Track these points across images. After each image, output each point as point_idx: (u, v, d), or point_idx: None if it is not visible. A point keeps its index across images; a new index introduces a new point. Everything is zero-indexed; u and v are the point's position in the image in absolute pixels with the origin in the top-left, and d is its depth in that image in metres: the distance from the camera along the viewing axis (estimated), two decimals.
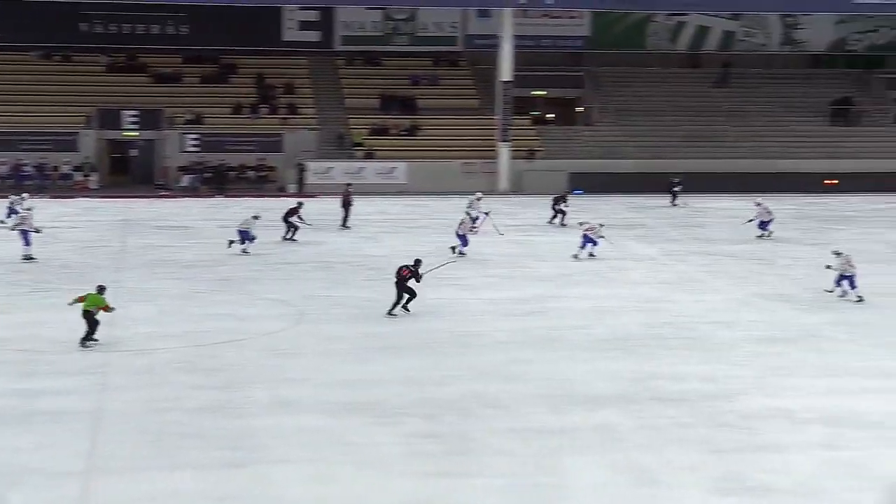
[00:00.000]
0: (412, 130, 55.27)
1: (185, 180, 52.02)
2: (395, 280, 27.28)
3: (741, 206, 43.93)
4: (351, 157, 53.51)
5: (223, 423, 19.16)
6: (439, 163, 52.35)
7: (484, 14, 57.54)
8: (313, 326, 26.22)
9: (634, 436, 18.91)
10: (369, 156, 53.60)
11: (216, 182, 51.27)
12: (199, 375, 21.96)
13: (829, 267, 29.81)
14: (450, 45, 59.52)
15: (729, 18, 59.54)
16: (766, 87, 58.93)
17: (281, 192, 50.77)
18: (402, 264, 27.54)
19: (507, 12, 53.15)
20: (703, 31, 60.09)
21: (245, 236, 35.52)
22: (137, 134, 53.52)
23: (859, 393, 21.45)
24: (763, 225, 39.18)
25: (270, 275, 30.47)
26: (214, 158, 52.16)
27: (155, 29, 57.63)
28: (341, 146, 53.95)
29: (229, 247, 35.18)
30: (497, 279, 32.12)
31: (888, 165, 53.49)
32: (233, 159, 52.41)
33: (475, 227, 36.89)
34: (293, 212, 38.45)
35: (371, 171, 52.60)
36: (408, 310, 27.32)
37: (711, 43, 60.51)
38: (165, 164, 53.05)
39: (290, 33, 58.84)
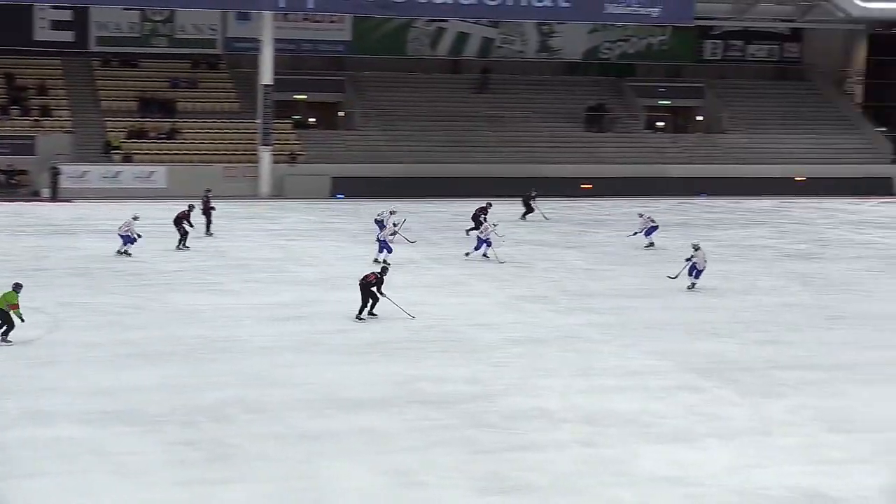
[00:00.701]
0: (172, 134, 54.24)
1: None
2: (359, 285, 27.47)
3: (503, 210, 44.73)
4: (109, 160, 52.13)
5: None
6: (200, 167, 51.53)
7: (244, 17, 56.94)
8: (69, 334, 25.38)
9: (398, 438, 18.93)
10: (127, 159, 52.33)
11: None
12: None
13: (690, 258, 31.88)
14: (209, 48, 58.66)
15: (488, 25, 60.52)
16: (523, 93, 60.15)
17: (35, 196, 49.08)
18: (370, 271, 27.85)
19: (267, 15, 52.71)
20: (462, 38, 60.92)
21: (127, 240, 34.92)
22: None
23: (615, 391, 22.01)
24: (649, 232, 39.58)
25: (24, 282, 29.29)
26: None
27: None
28: (105, 150, 52.50)
29: (119, 254, 34.92)
30: (259, 284, 31.76)
31: (640, 170, 55.29)
32: None
33: (392, 236, 36.27)
34: (184, 216, 37.38)
35: (129, 175, 51.41)
36: (374, 314, 27.41)
37: (471, 49, 61.42)
38: None
39: (42, 32, 56.92)
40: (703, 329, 27.49)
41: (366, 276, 27.77)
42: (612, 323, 27.98)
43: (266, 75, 52.70)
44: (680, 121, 62.24)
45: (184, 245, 37.08)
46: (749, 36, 63.74)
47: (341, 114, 59.71)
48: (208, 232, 39.48)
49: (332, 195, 51.77)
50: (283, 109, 56.01)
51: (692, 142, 59.20)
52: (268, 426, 19.32)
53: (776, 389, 22.43)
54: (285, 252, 37.13)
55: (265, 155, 52.31)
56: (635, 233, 39.63)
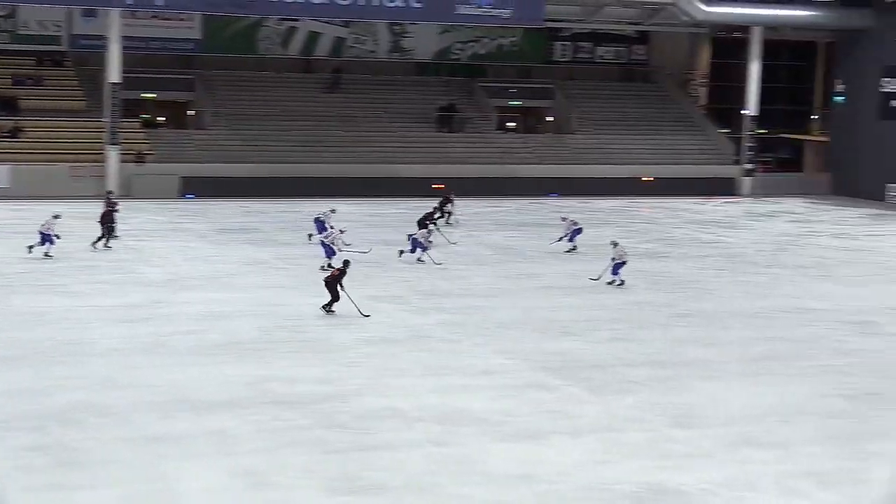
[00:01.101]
0: (15, 132, 52.81)
1: None
2: (324, 282, 28.34)
3: (358, 211, 44.77)
4: None
5: None
6: (45, 166, 50.30)
7: (90, 14, 55.66)
8: None
9: (248, 440, 18.77)
10: None
11: None
12: None
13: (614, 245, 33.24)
14: (54, 45, 57.27)
15: (340, 25, 60.29)
16: (376, 94, 60.11)
17: None
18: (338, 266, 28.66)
19: (115, 13, 51.68)
20: (314, 37, 60.55)
21: (46, 238, 34.10)
22: None
23: (467, 390, 22.15)
24: (573, 236, 39.41)
25: None
26: None
27: None
28: None
29: (30, 252, 34.08)
30: (106, 285, 31.15)
31: (490, 170, 55.72)
32: None
33: (337, 239, 35.41)
34: (109, 215, 36.32)
35: None
36: (332, 311, 28.09)
37: (323, 49, 61.09)
38: None
39: None
40: (553, 328, 27.82)
41: (331, 273, 28.73)
42: (464, 322, 28.14)
43: (113, 73, 51.68)
44: (530, 121, 62.87)
45: (107, 244, 36.50)
46: (598, 38, 64.64)
47: (191, 113, 58.87)
48: (112, 235, 38.27)
49: (182, 195, 50.99)
50: (131, 108, 54.95)
51: (542, 142, 59.85)
52: (117, 429, 18.99)
53: (625, 386, 22.83)
54: (133, 253, 36.47)
55: (112, 154, 51.27)
56: (560, 238, 39.29)
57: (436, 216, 40.80)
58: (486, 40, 62.31)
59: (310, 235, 38.62)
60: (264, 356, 24.12)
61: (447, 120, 59.09)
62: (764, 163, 62.12)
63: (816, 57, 67.82)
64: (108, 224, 36.79)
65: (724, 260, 38.69)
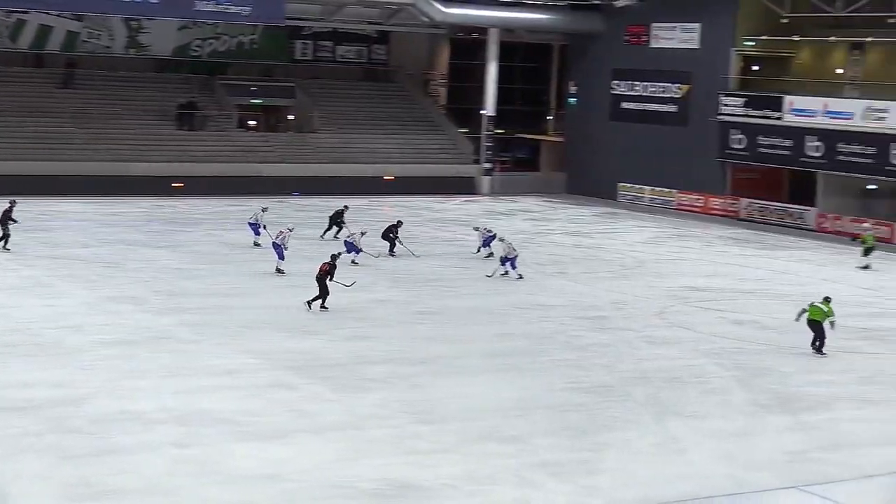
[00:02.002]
0: None
1: None
2: (315, 278, 29.35)
3: (94, 210, 43.65)
4: None
5: None
6: None
7: None
8: None
9: None
10: None
11: None
12: None
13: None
14: None
15: (72, 18, 58.54)
16: (112, 90, 58.57)
17: None
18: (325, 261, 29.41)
19: None
20: (45, 31, 58.54)
21: None
22: None
23: (208, 391, 21.93)
24: (486, 243, 38.89)
25: None
26: None
27: None
28: None
29: None
30: None
31: (232, 169, 55.17)
32: None
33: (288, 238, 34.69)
34: (7, 214, 34.22)
35: None
36: (325, 308, 29.19)
37: (55, 43, 59.18)
38: None
39: None
40: (295, 327, 27.80)
41: (320, 268, 29.54)
42: (206, 322, 27.82)
43: None
44: (272, 120, 62.50)
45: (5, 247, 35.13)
46: (339, 37, 64.76)
47: None
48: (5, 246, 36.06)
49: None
50: None
51: (284, 141, 59.59)
52: None
53: (367, 384, 23.03)
54: None
55: None
56: (479, 248, 39.06)
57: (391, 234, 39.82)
58: (226, 38, 61.61)
59: (256, 244, 38.32)
60: None
61: (187, 118, 58.12)
62: (502, 162, 63.51)
63: (551, 59, 69.78)
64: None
65: (462, 258, 39.39)
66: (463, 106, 65.81)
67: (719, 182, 54.80)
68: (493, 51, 60.97)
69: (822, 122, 49.70)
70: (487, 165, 60.79)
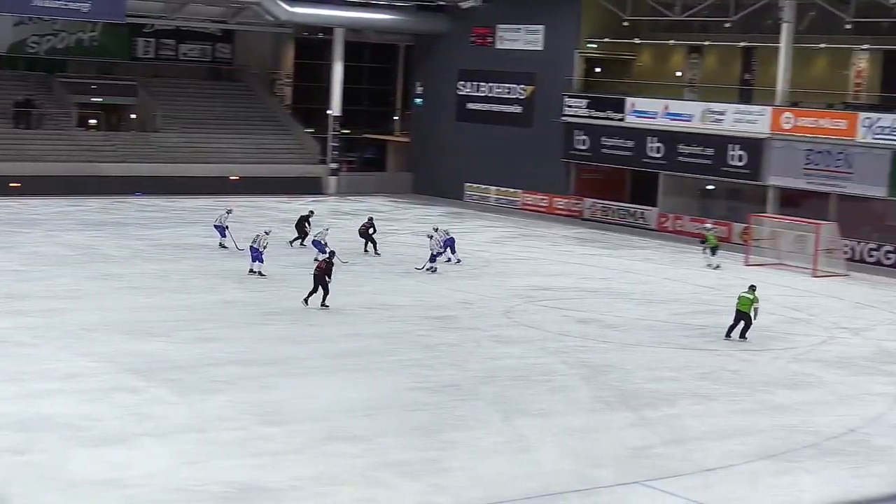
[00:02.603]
0: None
1: None
2: (313, 275, 30.46)
3: None
4: None
5: None
6: None
7: None
8: None
9: None
10: None
11: None
12: None
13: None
14: None
15: None
16: None
17: None
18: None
19: None
20: None
21: None
22: None
23: (48, 396, 21.42)
24: (447, 246, 38.61)
25: None
26: None
27: None
28: None
29: None
30: None
31: (70, 168, 53.95)
32: None
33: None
34: None
35: None
36: (326, 305, 30.23)
37: None
38: None
39: None
40: (139, 329, 27.32)
41: (318, 266, 30.77)
42: (46, 325, 27.17)
43: None
44: (114, 119, 61.32)
45: None
46: (182, 35, 63.85)
47: None
48: None
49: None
50: None
51: (126, 140, 58.51)
52: None
53: (213, 386, 22.76)
54: None
55: None
56: (439, 252, 37.81)
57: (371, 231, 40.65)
58: (65, 34, 60.23)
59: (222, 245, 38.15)
60: None
61: (24, 116, 56.65)
62: (349, 162, 63.43)
63: (398, 59, 69.89)
64: None
65: (310, 258, 39.16)
66: (309, 106, 65.53)
67: (563, 182, 55.54)
68: (338, 51, 60.83)
69: (662, 123, 50.76)
70: (334, 165, 60.63)
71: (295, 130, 63.23)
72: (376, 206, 55.39)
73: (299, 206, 53.54)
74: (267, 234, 35.61)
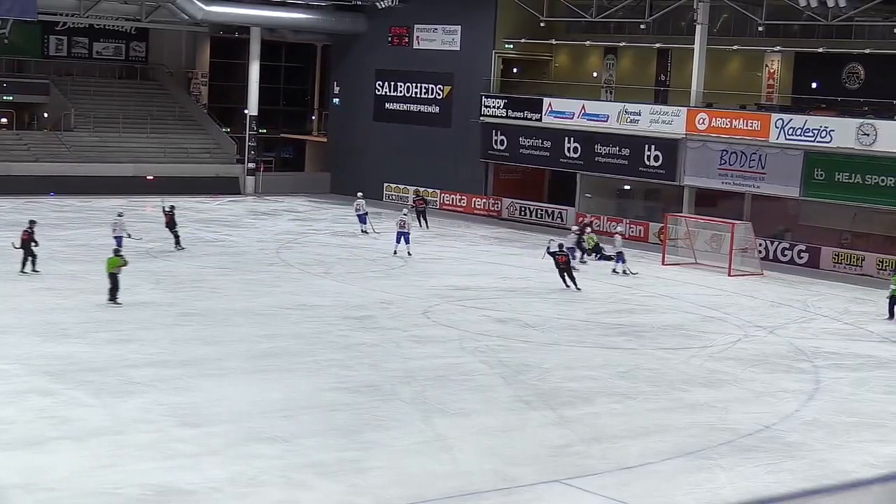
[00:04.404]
0: None
1: None
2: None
3: None
4: None
5: None
6: None
7: None
8: None
9: None
10: None
11: None
12: None
13: None
14: None
15: None
16: None
17: None
18: None
19: None
20: None
21: None
22: None
23: None
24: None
25: None
26: None
27: None
28: None
29: None
30: None
31: None
32: None
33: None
34: None
35: None
36: None
37: None
38: None
39: None
40: (52, 330, 26.93)
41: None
42: None
43: None
44: (25, 118, 60.43)
45: None
46: (95, 33, 63.14)
47: None
48: None
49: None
50: None
51: (39, 139, 57.67)
52: None
53: (129, 388, 22.49)
54: None
55: None
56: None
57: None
58: None
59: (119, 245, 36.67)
60: None
61: None
62: (266, 162, 63.05)
63: (315, 59, 69.63)
64: None
65: (227, 258, 38.92)
66: (226, 105, 65.13)
67: (482, 182, 55.69)
68: (255, 50, 60.48)
69: (579, 124, 51.07)
70: (251, 165, 60.26)
71: (211, 130, 62.74)
72: (294, 206, 55.25)
73: (216, 206, 53.22)
74: (120, 216, 35.68)
